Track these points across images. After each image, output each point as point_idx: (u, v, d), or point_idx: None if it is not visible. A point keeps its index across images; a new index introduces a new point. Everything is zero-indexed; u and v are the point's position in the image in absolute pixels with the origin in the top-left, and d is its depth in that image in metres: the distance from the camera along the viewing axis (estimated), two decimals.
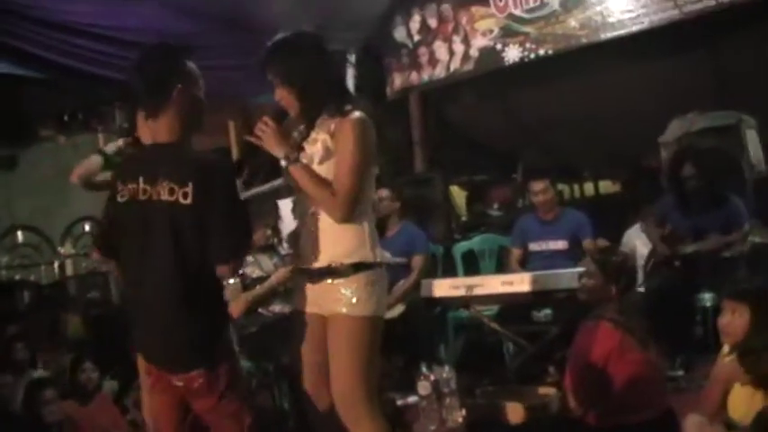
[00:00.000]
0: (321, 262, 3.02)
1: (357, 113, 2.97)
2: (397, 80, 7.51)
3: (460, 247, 6.71)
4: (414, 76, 7.40)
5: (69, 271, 8.90)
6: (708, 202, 5.46)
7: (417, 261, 6.00)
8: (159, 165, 2.74)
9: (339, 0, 6.38)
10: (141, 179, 2.73)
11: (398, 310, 5.81)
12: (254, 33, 6.19)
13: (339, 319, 3.00)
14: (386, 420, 3.06)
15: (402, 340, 5.69)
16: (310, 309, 3.12)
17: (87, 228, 8.42)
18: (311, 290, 3.10)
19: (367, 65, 7.64)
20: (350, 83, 7.55)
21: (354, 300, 2.98)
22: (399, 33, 7.37)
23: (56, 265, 8.91)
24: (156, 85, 2.76)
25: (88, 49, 5.20)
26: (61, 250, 8.98)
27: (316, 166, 2.99)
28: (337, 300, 3.00)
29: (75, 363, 5.10)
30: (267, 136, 3.00)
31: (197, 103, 2.83)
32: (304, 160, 3.00)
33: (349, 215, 2.96)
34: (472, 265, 6.65)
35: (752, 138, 6.70)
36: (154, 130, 2.80)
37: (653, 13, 5.97)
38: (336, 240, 3.01)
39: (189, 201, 2.64)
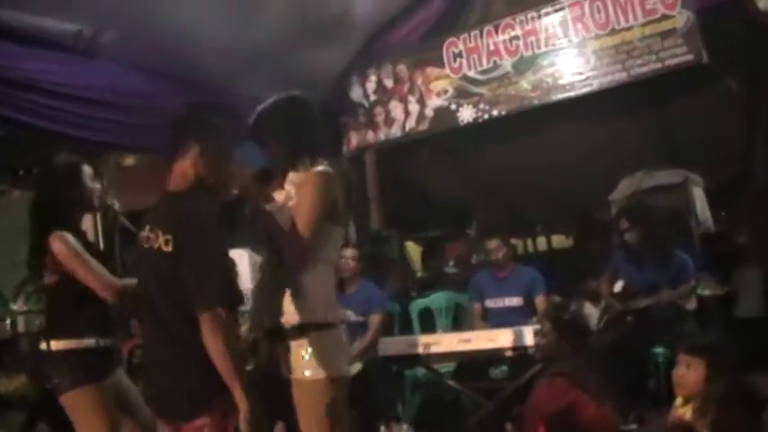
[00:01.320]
0: (276, 322, 2.94)
1: (321, 168, 2.95)
2: (354, 139, 7.57)
3: (417, 305, 6.74)
4: (370, 135, 7.47)
5: (21, 327, 8.70)
6: (656, 258, 5.58)
7: (374, 319, 6.02)
8: (159, 213, 2.78)
9: (295, 60, 6.45)
10: (147, 227, 2.76)
11: (356, 368, 5.80)
12: (208, 92, 6.27)
13: (296, 382, 2.93)
14: None
15: (360, 398, 5.66)
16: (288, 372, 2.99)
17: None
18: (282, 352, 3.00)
19: (323, 124, 7.72)
20: None
21: (309, 362, 2.90)
22: (356, 93, 7.45)
23: (8, 321, 8.71)
24: (174, 134, 2.82)
25: (42, 105, 5.18)
26: (13, 306, 8.80)
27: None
28: (294, 361, 2.93)
29: (27, 424, 4.98)
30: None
31: (213, 157, 2.84)
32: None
33: (305, 265, 2.89)
34: (428, 322, 6.67)
35: (698, 195, 6.89)
36: (170, 178, 2.82)
37: (602, 76, 6.12)
38: (291, 299, 2.93)
39: (170, 248, 2.64)
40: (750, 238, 8.32)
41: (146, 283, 2.76)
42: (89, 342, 3.63)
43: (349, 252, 6.24)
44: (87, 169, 3.84)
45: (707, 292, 5.61)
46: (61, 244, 3.60)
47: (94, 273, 3.56)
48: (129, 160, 6.62)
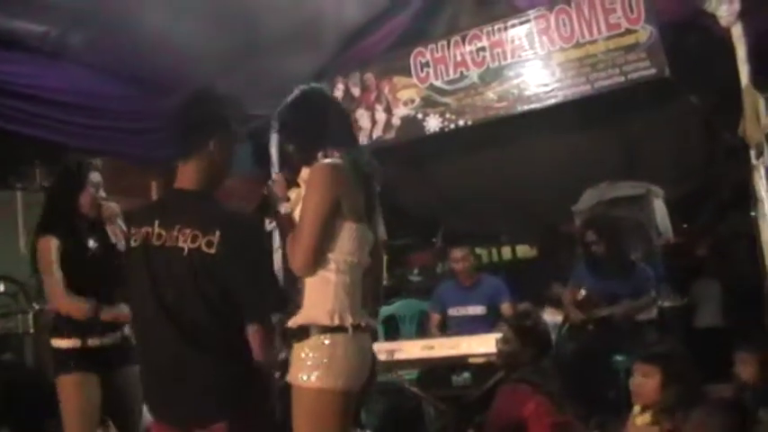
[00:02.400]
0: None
1: (325, 160, 2.82)
2: None
3: (382, 312, 6.74)
4: None
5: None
6: (617, 269, 5.66)
7: None
8: (181, 211, 2.65)
9: (264, 67, 6.45)
10: (157, 223, 2.64)
11: None
12: (178, 99, 6.25)
13: (292, 386, 2.73)
14: None
15: None
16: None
17: (2, 288, 8.17)
18: None
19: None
20: (273, 149, 7.63)
21: (306, 366, 2.70)
22: None
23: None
24: (196, 129, 2.73)
25: (9, 107, 5.16)
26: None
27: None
28: (292, 363, 2.75)
29: None
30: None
31: (228, 153, 2.80)
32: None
33: (306, 266, 2.75)
34: (393, 330, 6.70)
35: (659, 207, 7.01)
36: (181, 175, 2.73)
37: (566, 88, 6.17)
38: (305, 297, 2.80)
39: (213, 250, 2.52)
40: (710, 251, 8.46)
41: (155, 282, 2.60)
42: (71, 343, 3.72)
43: None
44: (95, 177, 3.90)
45: (667, 304, 5.72)
46: (42, 250, 3.70)
47: (56, 290, 3.73)
48: (96, 163, 6.57)
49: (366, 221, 2.85)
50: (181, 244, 2.56)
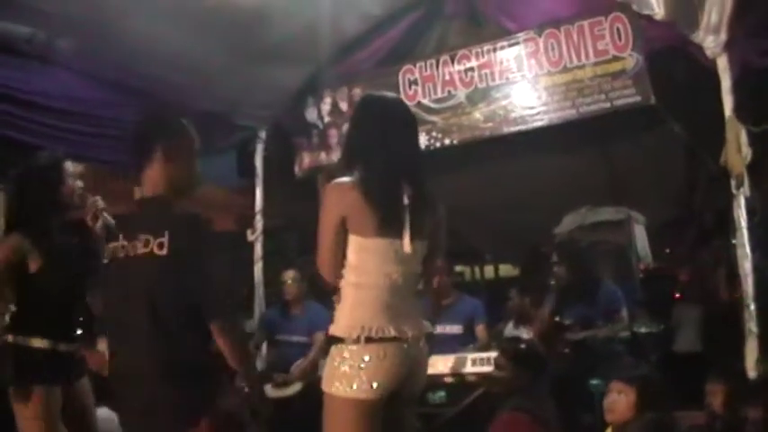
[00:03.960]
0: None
1: (335, 180, 2.95)
2: (306, 159, 7.58)
3: None
4: (323, 156, 7.48)
5: None
6: (585, 292, 5.67)
7: (318, 338, 6.05)
8: (138, 219, 2.75)
9: (252, 78, 6.47)
10: (121, 236, 2.72)
11: (297, 387, 5.81)
12: (164, 107, 6.25)
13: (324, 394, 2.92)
14: None
15: (299, 418, 5.67)
16: None
17: None
18: None
19: (277, 142, 7.73)
20: (258, 160, 7.64)
21: (324, 374, 2.91)
22: (310, 114, 7.45)
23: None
24: (139, 139, 2.86)
25: None
26: None
27: None
28: (323, 374, 2.95)
29: None
30: None
31: (182, 159, 2.85)
32: None
33: (329, 278, 2.94)
34: None
35: (640, 233, 7.06)
36: (144, 185, 2.83)
37: (552, 111, 6.20)
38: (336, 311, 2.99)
39: (164, 251, 2.58)
40: (691, 277, 8.52)
41: (122, 296, 2.68)
42: (43, 343, 3.63)
43: (290, 274, 6.30)
44: (69, 166, 3.82)
45: (643, 330, 5.74)
46: (4, 249, 3.61)
47: None
48: (79, 168, 6.55)
49: (384, 235, 2.88)
50: (139, 251, 2.64)
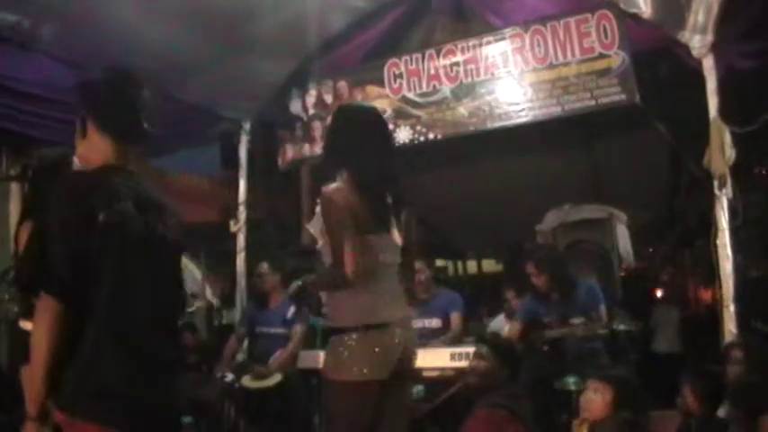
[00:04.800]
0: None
1: (327, 188, 3.19)
2: (290, 151, 7.54)
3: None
4: (306, 149, 7.45)
5: None
6: (561, 291, 5.67)
7: (297, 331, 6.05)
8: None
9: (236, 70, 6.43)
10: None
11: (276, 379, 5.80)
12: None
13: (324, 381, 3.22)
14: None
15: (278, 410, 5.67)
16: None
17: None
18: None
19: (260, 134, 7.71)
20: (242, 152, 7.61)
21: (328, 362, 3.18)
22: (295, 106, 7.42)
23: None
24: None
25: None
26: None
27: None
28: (324, 361, 3.24)
29: None
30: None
31: (101, 126, 2.68)
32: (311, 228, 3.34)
33: (356, 275, 3.08)
34: None
35: (622, 232, 7.06)
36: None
37: (537, 108, 6.19)
38: (329, 304, 3.34)
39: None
40: (671, 278, 8.57)
41: None
42: None
43: (264, 267, 6.28)
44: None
45: (622, 327, 5.74)
46: (26, 233, 3.62)
47: None
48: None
49: (378, 231, 3.22)
50: None
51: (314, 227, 3.36)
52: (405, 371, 3.26)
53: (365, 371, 3.07)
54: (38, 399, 2.35)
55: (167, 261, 2.68)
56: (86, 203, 2.43)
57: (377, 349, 3.11)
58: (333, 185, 3.21)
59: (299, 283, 3.38)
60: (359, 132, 3.35)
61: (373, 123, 3.45)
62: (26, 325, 3.70)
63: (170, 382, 2.59)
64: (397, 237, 3.30)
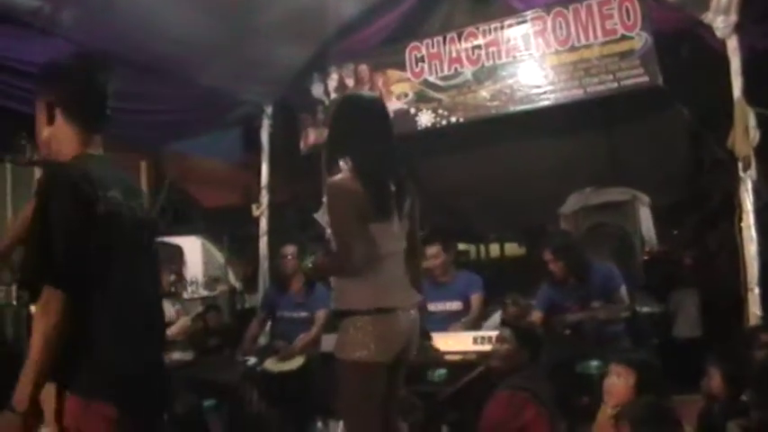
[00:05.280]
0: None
1: (335, 177, 3.29)
2: (311, 135, 7.56)
3: None
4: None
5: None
6: (578, 275, 5.64)
7: (320, 316, 6.07)
8: None
9: (257, 53, 6.44)
10: None
11: (297, 362, 5.83)
12: (169, 82, 6.23)
13: (336, 360, 3.31)
14: None
15: (298, 393, 5.70)
16: None
17: None
18: None
19: (282, 118, 7.72)
20: (264, 136, 7.63)
21: (341, 343, 3.27)
22: (316, 90, 7.43)
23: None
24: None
25: None
26: None
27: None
28: (336, 342, 3.33)
29: None
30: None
31: (70, 115, 2.63)
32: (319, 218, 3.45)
33: (355, 265, 3.19)
34: None
35: (645, 214, 7.01)
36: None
37: (559, 91, 6.18)
38: (338, 288, 3.41)
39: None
40: (695, 261, 8.50)
41: None
42: None
43: (289, 249, 6.30)
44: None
45: (645, 309, 5.72)
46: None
47: None
48: None
49: (381, 219, 3.29)
50: None
51: (321, 217, 3.45)
52: (405, 356, 3.37)
53: (372, 352, 3.19)
54: (32, 394, 2.32)
55: (149, 243, 2.72)
56: (83, 195, 2.42)
57: (385, 332, 3.24)
58: (337, 176, 3.29)
59: (309, 264, 3.55)
60: (360, 121, 3.42)
61: (375, 112, 3.51)
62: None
63: (162, 357, 2.74)
64: (400, 225, 3.39)
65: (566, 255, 5.64)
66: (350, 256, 3.18)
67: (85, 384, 2.40)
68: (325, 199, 3.37)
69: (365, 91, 6.32)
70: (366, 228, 3.24)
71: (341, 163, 3.34)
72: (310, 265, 3.60)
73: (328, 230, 3.37)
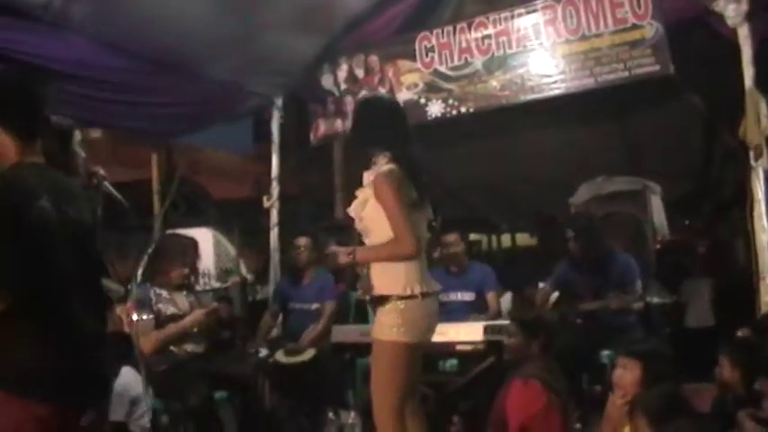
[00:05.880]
0: (371, 292, 3.59)
1: (382, 168, 3.56)
2: (322, 126, 7.56)
3: None
4: (338, 124, 7.45)
5: None
6: (595, 263, 5.66)
7: (328, 307, 6.10)
8: None
9: (267, 45, 6.44)
10: None
11: (309, 354, 5.85)
12: (180, 75, 6.24)
13: (374, 342, 3.55)
14: None
15: (310, 384, 5.72)
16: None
17: None
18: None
19: (292, 110, 7.72)
20: (275, 127, 7.64)
21: (381, 325, 3.50)
22: (326, 81, 7.42)
23: None
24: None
25: None
26: None
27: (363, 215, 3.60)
28: (375, 325, 3.56)
29: None
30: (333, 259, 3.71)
31: (5, 128, 2.72)
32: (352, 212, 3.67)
33: (417, 250, 3.47)
34: None
35: (656, 204, 7.00)
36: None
37: (570, 80, 6.15)
38: (378, 275, 3.56)
39: None
40: (707, 250, 8.48)
41: None
42: None
43: (302, 241, 6.32)
44: (77, 135, 3.82)
45: (656, 300, 5.72)
46: None
47: None
48: (95, 134, 6.58)
49: (420, 209, 3.61)
50: None
51: (355, 211, 3.67)
52: (426, 340, 3.64)
53: (409, 334, 3.45)
54: None
55: (85, 245, 2.76)
56: (12, 204, 2.52)
57: (421, 316, 3.52)
58: (385, 168, 3.55)
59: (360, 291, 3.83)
60: (394, 118, 3.76)
61: (401, 111, 3.90)
62: None
63: (95, 353, 2.71)
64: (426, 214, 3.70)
65: (587, 235, 5.66)
66: (414, 240, 3.43)
67: (13, 381, 2.47)
68: (360, 193, 3.64)
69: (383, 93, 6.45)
70: (412, 216, 3.51)
71: (378, 157, 3.64)
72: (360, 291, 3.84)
73: (359, 224, 3.64)
